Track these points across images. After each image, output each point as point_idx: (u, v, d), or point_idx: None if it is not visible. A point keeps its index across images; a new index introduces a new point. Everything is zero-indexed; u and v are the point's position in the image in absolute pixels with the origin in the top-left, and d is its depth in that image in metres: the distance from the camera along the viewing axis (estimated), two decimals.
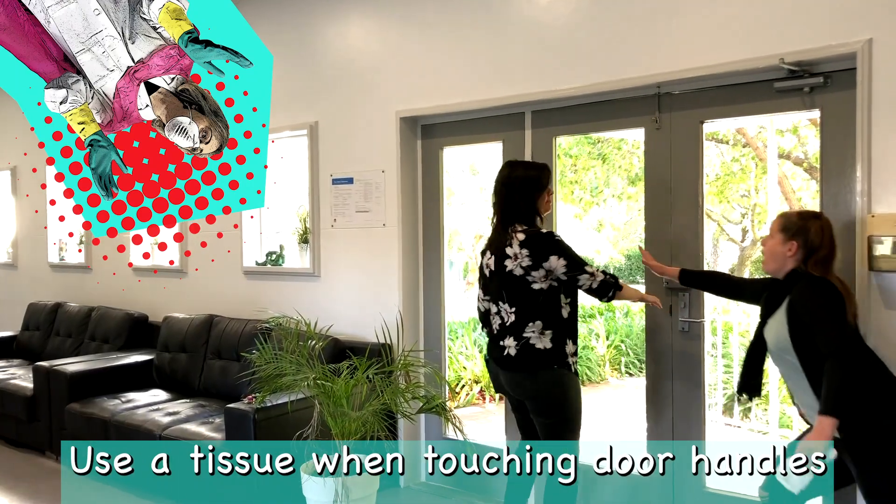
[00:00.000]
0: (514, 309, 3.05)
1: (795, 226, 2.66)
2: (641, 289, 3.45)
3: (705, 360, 3.47)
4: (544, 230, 3.08)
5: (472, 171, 10.29)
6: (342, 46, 4.57)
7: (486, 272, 3.18)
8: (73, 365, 4.92)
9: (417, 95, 4.24)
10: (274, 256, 5.09)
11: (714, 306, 7.13)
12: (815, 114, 3.14)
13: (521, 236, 3.02)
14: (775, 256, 2.70)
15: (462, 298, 10.89)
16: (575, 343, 3.09)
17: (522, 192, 3.08)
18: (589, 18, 3.59)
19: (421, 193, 4.42)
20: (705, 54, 3.23)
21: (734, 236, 10.84)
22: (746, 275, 10.50)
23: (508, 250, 3.03)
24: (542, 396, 3.05)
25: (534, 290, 3.01)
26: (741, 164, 9.24)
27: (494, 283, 3.12)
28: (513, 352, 3.05)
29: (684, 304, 3.45)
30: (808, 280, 2.59)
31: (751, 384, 2.83)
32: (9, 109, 7.17)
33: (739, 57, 3.14)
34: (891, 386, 2.53)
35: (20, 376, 5.41)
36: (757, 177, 9.14)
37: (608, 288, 3.05)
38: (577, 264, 3.02)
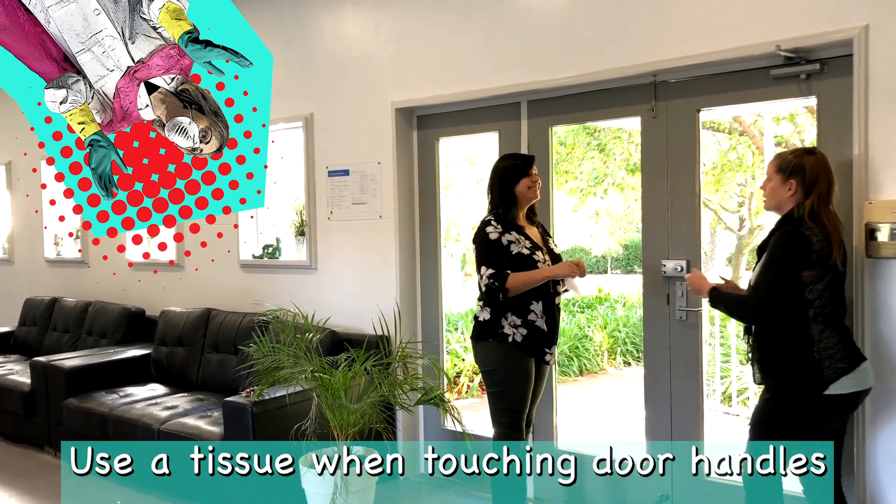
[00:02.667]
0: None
1: (791, 164, 2.66)
2: (638, 279, 3.46)
3: (703, 349, 3.47)
4: (491, 218, 3.30)
5: (469, 162, 10.27)
6: (337, 37, 4.55)
7: None
8: (70, 360, 4.91)
9: (413, 86, 4.22)
10: (271, 249, 5.07)
11: None
12: (812, 101, 3.13)
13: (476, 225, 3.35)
14: (775, 196, 2.71)
15: (460, 290, 10.89)
16: (520, 316, 3.22)
17: (502, 181, 3.33)
18: (584, 7, 3.57)
19: (417, 184, 4.40)
20: (701, 42, 3.22)
21: (731, 225, 10.85)
22: (744, 264, 10.53)
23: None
24: (479, 366, 3.35)
25: (480, 272, 3.28)
26: (738, 153, 9.23)
27: None
28: (472, 323, 3.40)
29: (682, 293, 3.45)
30: (783, 231, 2.64)
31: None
32: (5, 107, 7.14)
33: (736, 44, 3.12)
34: (799, 351, 2.60)
35: (18, 371, 5.40)
36: (754, 165, 9.14)
37: (494, 292, 3.21)
38: (479, 260, 3.30)
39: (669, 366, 3.52)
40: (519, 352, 3.23)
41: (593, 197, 10.46)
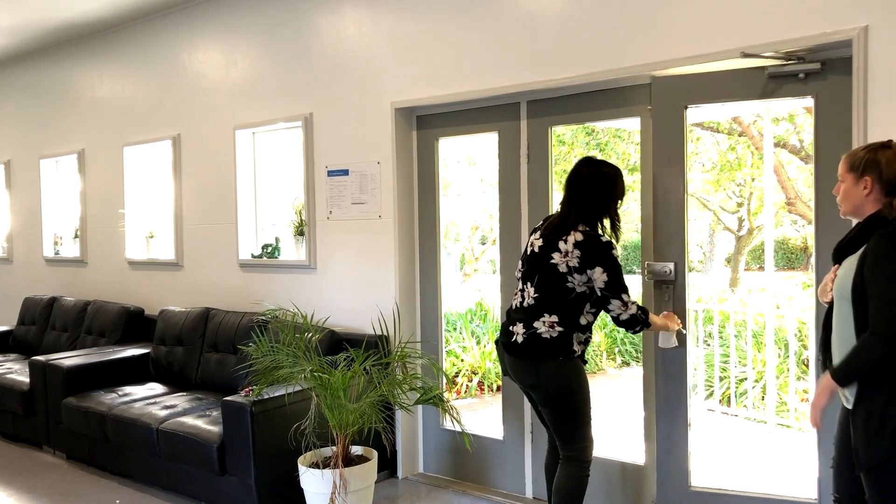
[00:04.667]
0: (537, 295, 3.04)
1: (863, 160, 2.36)
2: (637, 279, 3.44)
3: (689, 351, 3.43)
4: (605, 238, 2.99)
5: (468, 162, 10.28)
6: (336, 37, 4.55)
7: (529, 250, 3.14)
8: (69, 359, 4.91)
9: (412, 86, 4.22)
10: (270, 249, 5.07)
11: (709, 295, 7.14)
12: (809, 101, 3.13)
13: (579, 236, 2.95)
14: (850, 198, 2.40)
15: (459, 290, 10.89)
16: (584, 333, 3.06)
17: (614, 192, 3.05)
18: (584, 8, 3.57)
19: (417, 184, 4.40)
20: (700, 43, 3.22)
21: (730, 225, 10.85)
22: (742, 263, 10.53)
23: (562, 245, 2.97)
24: (543, 387, 3.04)
25: (566, 288, 2.98)
26: (737, 154, 9.24)
27: (531, 265, 3.09)
28: (520, 339, 3.03)
29: (668, 297, 3.40)
30: (886, 234, 2.24)
31: (825, 342, 2.49)
32: (4, 105, 7.14)
33: (734, 45, 3.12)
34: None
35: (16, 371, 5.40)
36: (753, 165, 9.14)
37: (636, 323, 3.01)
38: (616, 287, 2.96)
39: (657, 370, 3.48)
40: (582, 364, 3.10)
41: None
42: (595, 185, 3.04)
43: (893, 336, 2.15)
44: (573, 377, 3.03)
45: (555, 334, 2.98)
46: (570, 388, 3.04)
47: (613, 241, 3.03)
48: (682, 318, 3.38)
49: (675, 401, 3.44)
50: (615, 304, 2.97)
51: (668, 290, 3.39)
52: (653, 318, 3.12)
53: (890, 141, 2.40)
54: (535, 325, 3.01)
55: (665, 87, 3.36)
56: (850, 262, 2.32)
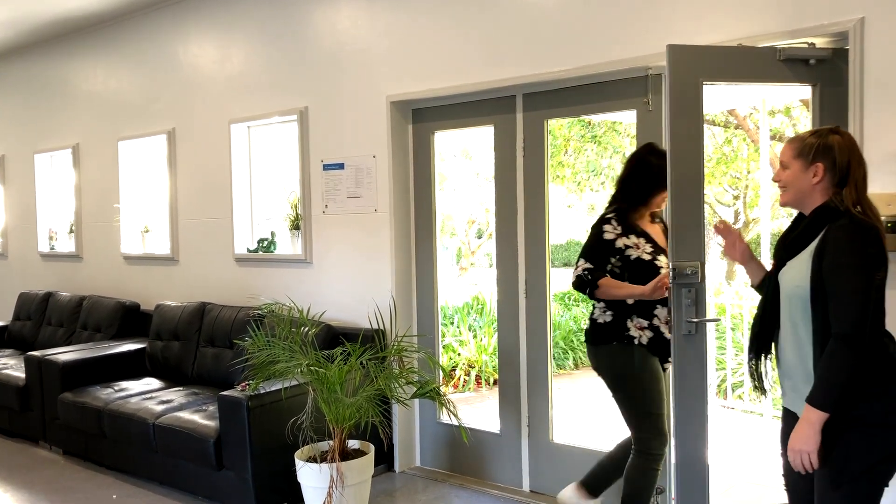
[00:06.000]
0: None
1: (814, 146, 2.15)
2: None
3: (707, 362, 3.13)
4: (612, 216, 3.10)
5: (465, 156, 10.26)
6: (332, 30, 4.53)
7: None
8: (65, 354, 4.90)
9: (408, 79, 4.20)
10: (265, 243, 5.06)
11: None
12: (808, 92, 3.12)
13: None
14: (795, 185, 2.18)
15: (456, 284, 10.89)
16: (646, 318, 3.03)
17: (645, 179, 3.09)
18: (580, 0, 3.56)
19: (413, 178, 4.40)
20: (698, 35, 3.21)
21: (727, 218, 10.86)
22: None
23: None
24: (603, 370, 3.12)
25: (606, 271, 3.09)
26: (732, 146, 9.24)
27: None
28: (587, 325, 3.19)
29: (691, 302, 2.87)
30: (851, 222, 2.05)
31: (764, 343, 2.32)
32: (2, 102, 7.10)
33: (732, 37, 3.11)
34: (886, 376, 2.06)
35: (12, 366, 5.38)
36: (749, 158, 9.15)
37: (582, 285, 3.07)
38: (581, 252, 3.11)
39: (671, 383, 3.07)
40: (647, 352, 3.02)
41: (590, 191, 10.46)
42: (637, 168, 3.14)
43: (858, 336, 1.98)
44: (626, 361, 3.03)
45: (608, 318, 3.07)
46: (621, 374, 3.05)
47: (617, 216, 3.09)
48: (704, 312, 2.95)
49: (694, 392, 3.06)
50: (574, 268, 3.11)
51: (691, 294, 2.89)
52: (618, 285, 3.02)
53: (838, 126, 2.23)
54: (594, 311, 3.15)
55: (682, 56, 2.90)
56: (803, 258, 2.13)
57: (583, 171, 9.65)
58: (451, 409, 3.54)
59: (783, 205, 2.25)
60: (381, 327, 4.12)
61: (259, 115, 4.93)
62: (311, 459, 3.53)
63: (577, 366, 7.87)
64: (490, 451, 4.15)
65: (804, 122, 7.92)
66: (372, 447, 3.68)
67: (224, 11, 5.09)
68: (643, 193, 3.10)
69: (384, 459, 4.32)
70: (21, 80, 6.82)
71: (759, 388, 2.37)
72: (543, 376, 3.94)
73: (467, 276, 11.89)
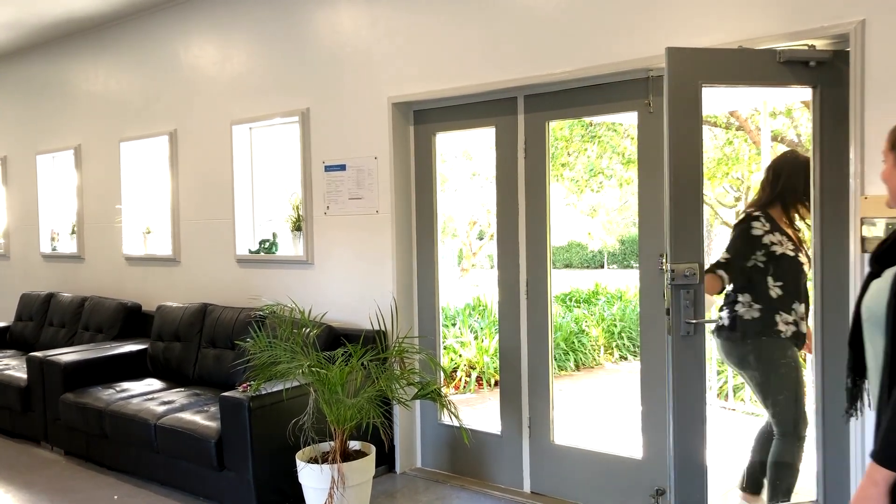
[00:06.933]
0: (731, 280, 3.28)
1: None
2: (634, 274, 3.44)
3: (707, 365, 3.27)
4: (761, 214, 3.27)
5: (466, 157, 10.28)
6: (333, 32, 4.54)
7: None
8: (66, 355, 4.90)
9: (410, 81, 4.21)
10: (267, 244, 5.07)
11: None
12: (809, 94, 3.12)
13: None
14: (890, 182, 1.79)
15: (457, 285, 10.90)
16: (791, 314, 3.21)
17: (795, 180, 3.27)
18: (581, 1, 3.56)
19: (414, 180, 4.40)
20: (699, 37, 3.21)
21: (728, 220, 10.86)
22: None
23: None
24: (751, 364, 3.26)
25: (747, 267, 3.23)
26: (734, 148, 9.24)
27: None
28: (726, 322, 3.29)
29: (689, 303, 2.90)
30: None
31: (857, 365, 1.85)
32: (2, 103, 7.12)
33: (733, 39, 3.12)
34: None
35: (14, 367, 5.39)
36: (750, 159, 9.15)
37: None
38: (727, 247, 3.29)
39: (671, 383, 2.98)
40: (793, 345, 3.23)
41: (589, 192, 10.47)
42: (788, 169, 3.33)
43: None
44: (781, 357, 3.21)
45: (756, 314, 3.21)
46: (777, 368, 3.22)
47: (765, 214, 3.26)
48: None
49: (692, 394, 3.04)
50: None
51: (689, 294, 2.89)
52: (711, 278, 3.20)
53: None
54: (736, 306, 3.25)
55: (680, 59, 2.92)
56: (886, 277, 1.69)
57: (583, 172, 9.67)
58: (452, 410, 3.55)
59: (890, 206, 1.84)
60: (383, 328, 4.13)
61: (260, 116, 4.93)
62: (313, 460, 3.53)
63: (578, 367, 7.87)
64: (491, 452, 4.15)
65: (806, 124, 7.92)
66: (373, 448, 3.68)
67: (225, 12, 5.10)
68: (793, 193, 3.28)
69: (385, 460, 4.32)
70: (23, 81, 6.83)
71: (851, 409, 1.90)
72: (544, 377, 3.94)
73: (468, 277, 11.90)
